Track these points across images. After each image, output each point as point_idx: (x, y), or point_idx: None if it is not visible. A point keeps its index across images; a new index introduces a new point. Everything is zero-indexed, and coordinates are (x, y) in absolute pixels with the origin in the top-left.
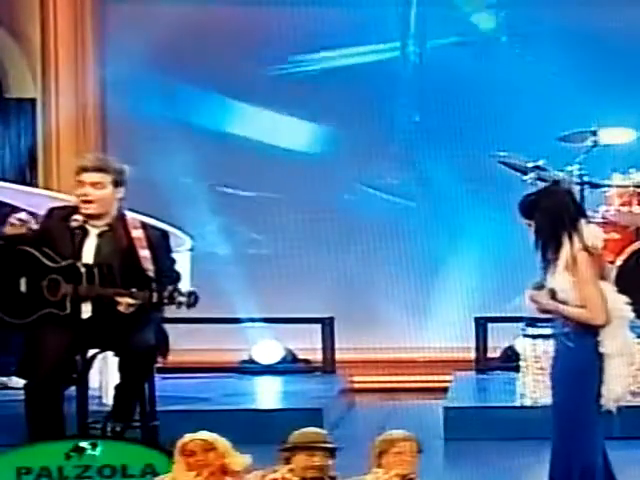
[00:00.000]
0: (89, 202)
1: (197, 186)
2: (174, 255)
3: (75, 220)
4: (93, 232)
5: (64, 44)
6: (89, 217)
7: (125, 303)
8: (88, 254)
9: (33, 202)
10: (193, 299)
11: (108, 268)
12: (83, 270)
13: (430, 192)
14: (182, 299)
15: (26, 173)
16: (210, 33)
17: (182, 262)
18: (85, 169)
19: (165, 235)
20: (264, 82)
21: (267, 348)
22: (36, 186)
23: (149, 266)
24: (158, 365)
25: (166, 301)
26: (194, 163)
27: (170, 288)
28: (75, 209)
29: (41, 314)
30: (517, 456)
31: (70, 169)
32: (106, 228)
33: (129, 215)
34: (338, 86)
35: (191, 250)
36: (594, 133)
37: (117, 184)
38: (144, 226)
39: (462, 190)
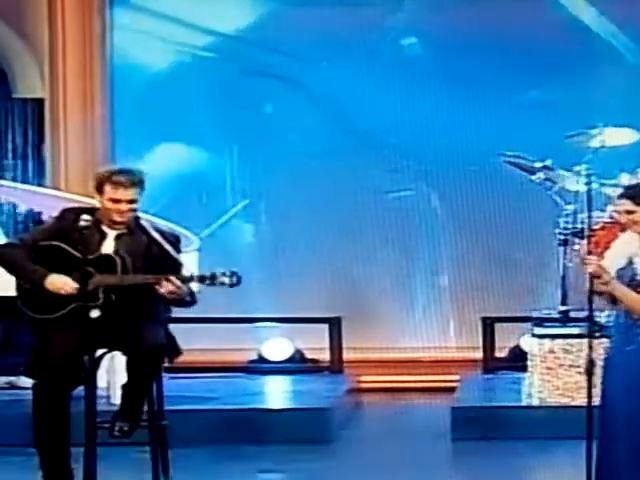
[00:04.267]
0: (126, 214)
1: (201, 186)
2: (182, 256)
3: (84, 220)
4: (111, 234)
5: (72, 44)
6: (115, 222)
7: (171, 283)
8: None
9: (41, 202)
10: (236, 279)
11: (135, 264)
12: (118, 260)
13: (435, 191)
14: (225, 279)
15: (35, 173)
16: (219, 29)
17: (190, 262)
18: (121, 185)
19: (178, 240)
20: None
21: (277, 346)
22: (44, 186)
23: (177, 256)
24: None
25: (208, 282)
26: (200, 161)
27: (211, 271)
28: (92, 210)
29: (71, 308)
30: (524, 456)
31: (78, 169)
32: (124, 231)
33: (144, 221)
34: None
35: (198, 250)
36: (601, 133)
37: (142, 192)
38: (159, 230)
39: (467, 189)
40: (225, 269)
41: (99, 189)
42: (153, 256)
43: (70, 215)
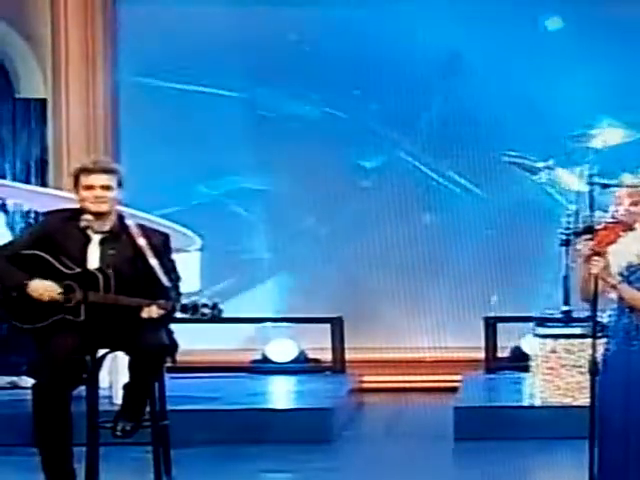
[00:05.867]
0: (102, 202)
1: (207, 187)
2: (182, 255)
3: (86, 220)
4: (95, 238)
5: (75, 44)
6: (97, 216)
7: (154, 311)
8: (92, 261)
9: (43, 202)
10: (217, 312)
11: (120, 275)
12: (101, 277)
13: (438, 190)
14: (206, 311)
15: (37, 173)
16: (221, 34)
17: (192, 262)
18: (92, 171)
19: (166, 238)
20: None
21: (282, 347)
22: (47, 186)
23: (162, 275)
24: (170, 364)
25: (190, 312)
26: (205, 164)
27: (193, 299)
28: (77, 211)
29: (54, 320)
30: (527, 456)
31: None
32: (107, 235)
33: (129, 221)
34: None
35: (201, 250)
36: (603, 133)
37: (119, 185)
38: (145, 233)
39: (470, 189)
40: (208, 299)
41: (75, 184)
42: (138, 268)
43: (56, 217)
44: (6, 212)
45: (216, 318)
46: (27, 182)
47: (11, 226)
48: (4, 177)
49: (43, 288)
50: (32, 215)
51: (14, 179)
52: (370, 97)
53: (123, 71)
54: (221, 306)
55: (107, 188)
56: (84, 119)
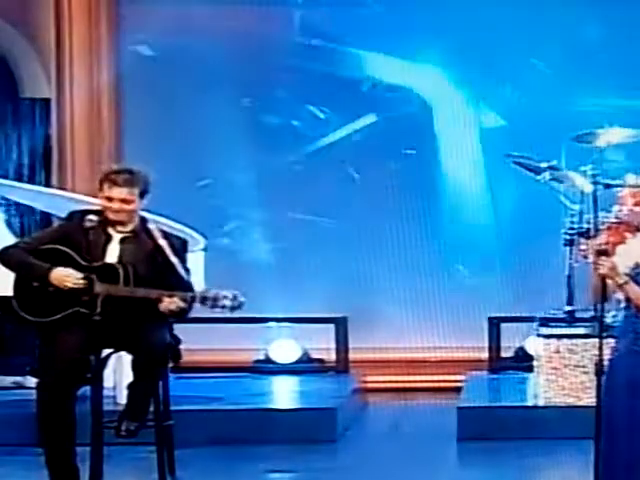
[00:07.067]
0: (117, 215)
1: (207, 186)
2: (188, 256)
3: (90, 220)
4: (116, 237)
5: (78, 45)
6: (114, 223)
7: (174, 303)
8: (111, 258)
9: (47, 202)
10: (237, 303)
11: (139, 270)
12: (121, 270)
13: (443, 190)
14: (227, 302)
15: (41, 173)
16: (223, 33)
17: (196, 262)
18: (115, 183)
19: (185, 244)
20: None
21: (285, 347)
22: (50, 186)
23: (182, 272)
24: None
25: (210, 304)
26: (207, 162)
27: (214, 291)
28: (98, 212)
29: (66, 314)
30: (530, 456)
31: (84, 169)
32: (129, 234)
33: (151, 224)
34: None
35: (204, 250)
36: (607, 133)
37: (143, 195)
38: (166, 236)
39: (474, 189)
40: (228, 291)
41: (100, 188)
42: (157, 263)
43: (77, 217)
44: (9, 212)
45: (236, 310)
46: (31, 182)
47: (10, 225)
48: (7, 177)
49: (65, 275)
50: (32, 214)
51: (18, 179)
52: None
53: (127, 71)
54: (241, 298)
55: (127, 202)
56: (88, 119)
